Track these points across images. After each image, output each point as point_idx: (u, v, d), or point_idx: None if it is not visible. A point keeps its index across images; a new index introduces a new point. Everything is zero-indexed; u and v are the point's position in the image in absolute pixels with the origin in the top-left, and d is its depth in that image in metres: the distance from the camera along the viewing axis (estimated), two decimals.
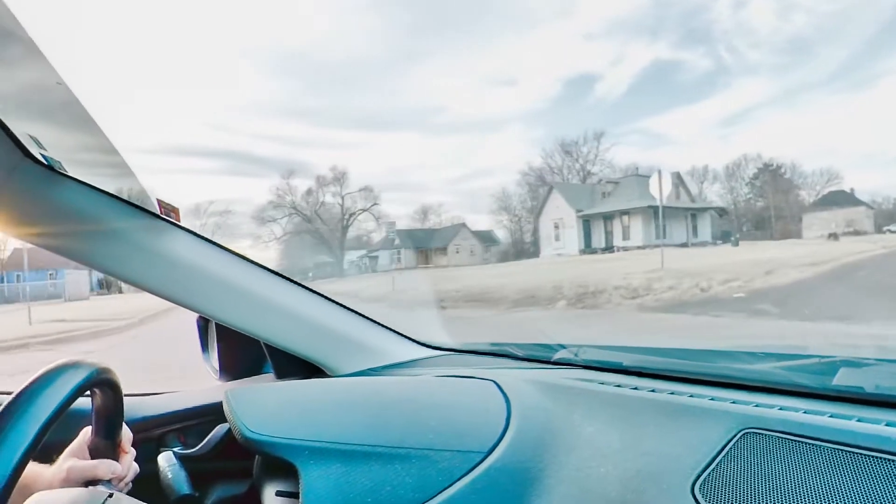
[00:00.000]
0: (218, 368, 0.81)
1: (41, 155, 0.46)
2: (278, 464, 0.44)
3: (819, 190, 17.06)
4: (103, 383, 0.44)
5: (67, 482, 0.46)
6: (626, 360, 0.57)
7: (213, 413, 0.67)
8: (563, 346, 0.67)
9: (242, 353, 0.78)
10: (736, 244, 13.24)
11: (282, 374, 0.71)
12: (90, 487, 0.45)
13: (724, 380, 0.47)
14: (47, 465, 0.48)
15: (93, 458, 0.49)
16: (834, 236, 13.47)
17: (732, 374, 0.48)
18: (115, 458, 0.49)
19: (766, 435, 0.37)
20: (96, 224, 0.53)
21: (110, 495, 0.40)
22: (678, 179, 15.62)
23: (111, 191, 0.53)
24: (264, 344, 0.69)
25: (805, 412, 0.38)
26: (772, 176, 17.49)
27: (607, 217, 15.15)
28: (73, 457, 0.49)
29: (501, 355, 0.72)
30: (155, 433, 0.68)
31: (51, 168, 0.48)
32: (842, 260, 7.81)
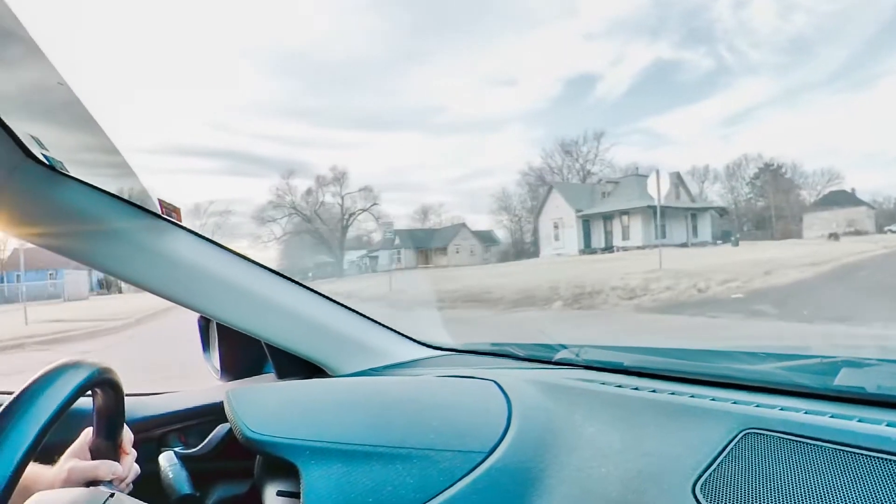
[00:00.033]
0: (219, 368, 0.81)
1: (42, 155, 0.46)
2: (279, 464, 0.44)
3: (820, 190, 17.07)
4: (104, 383, 0.44)
5: (68, 483, 0.46)
6: (628, 361, 0.57)
7: (215, 413, 0.67)
8: (564, 347, 0.67)
9: (243, 353, 0.78)
10: (736, 244, 13.24)
11: (283, 374, 0.71)
12: (91, 488, 0.45)
13: (725, 380, 0.47)
14: (48, 466, 0.48)
15: (94, 458, 0.49)
16: (835, 236, 13.46)
17: (733, 375, 0.48)
18: (117, 458, 0.49)
19: (767, 435, 0.37)
20: (97, 224, 0.53)
21: (111, 495, 0.40)
22: (678, 179, 15.62)
23: (112, 191, 0.53)
24: (265, 344, 0.69)
25: (806, 412, 0.38)
26: (772, 176, 17.48)
27: (607, 217, 15.15)
28: (75, 457, 0.49)
29: (502, 355, 0.72)
30: (156, 433, 0.68)
31: (52, 168, 0.48)
32: (842, 260, 7.79)
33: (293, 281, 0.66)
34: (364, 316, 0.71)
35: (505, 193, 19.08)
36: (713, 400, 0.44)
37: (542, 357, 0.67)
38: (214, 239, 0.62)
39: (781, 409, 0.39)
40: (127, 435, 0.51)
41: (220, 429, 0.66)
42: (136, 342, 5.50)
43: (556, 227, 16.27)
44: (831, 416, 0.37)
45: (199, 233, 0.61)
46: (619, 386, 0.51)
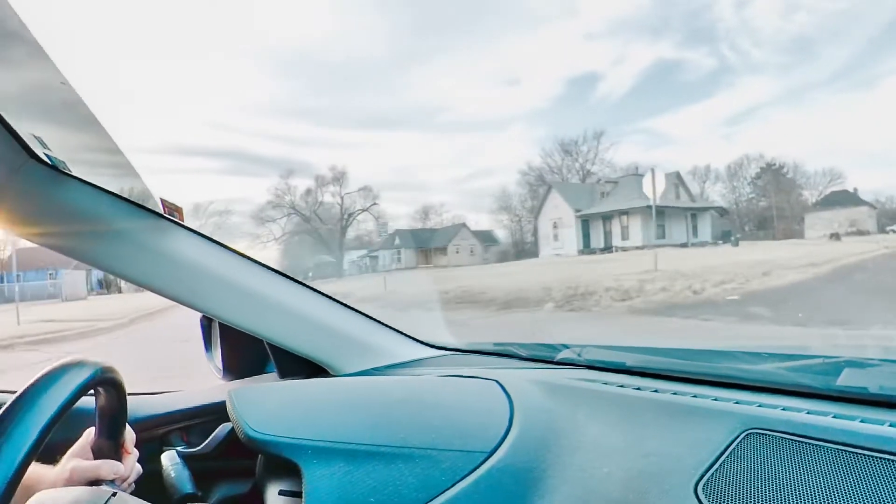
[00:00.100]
0: (221, 368, 0.81)
1: (45, 155, 0.46)
2: (281, 463, 0.45)
3: (822, 190, 17.02)
4: (107, 382, 0.44)
5: (71, 482, 0.46)
6: (630, 361, 0.57)
7: (217, 412, 0.68)
8: (566, 346, 0.67)
9: (246, 353, 0.78)
10: (736, 244, 13.22)
11: (285, 374, 0.71)
12: (93, 487, 0.45)
13: (727, 380, 0.47)
14: (51, 466, 0.48)
15: (96, 458, 0.49)
16: (836, 236, 13.43)
17: (736, 375, 0.48)
18: (119, 458, 0.49)
19: (769, 435, 0.37)
20: (100, 224, 0.53)
21: (114, 494, 0.41)
22: (678, 179, 15.60)
23: (115, 190, 0.53)
24: (267, 343, 0.69)
25: (808, 413, 0.38)
26: (774, 175, 17.46)
27: (606, 217, 15.13)
28: (77, 457, 0.49)
29: (504, 355, 0.72)
30: (158, 432, 0.69)
31: (55, 168, 0.48)
32: (842, 261, 7.74)
33: (295, 280, 0.66)
34: (366, 315, 0.71)
35: (505, 193, 19.09)
36: (715, 400, 0.44)
37: (544, 357, 0.67)
38: (215, 239, 0.62)
39: (784, 410, 0.39)
40: (129, 434, 0.52)
41: (223, 428, 0.67)
42: (126, 342, 5.50)
43: (554, 227, 16.26)
44: (834, 417, 0.37)
45: (202, 232, 0.61)
46: (622, 386, 0.51)
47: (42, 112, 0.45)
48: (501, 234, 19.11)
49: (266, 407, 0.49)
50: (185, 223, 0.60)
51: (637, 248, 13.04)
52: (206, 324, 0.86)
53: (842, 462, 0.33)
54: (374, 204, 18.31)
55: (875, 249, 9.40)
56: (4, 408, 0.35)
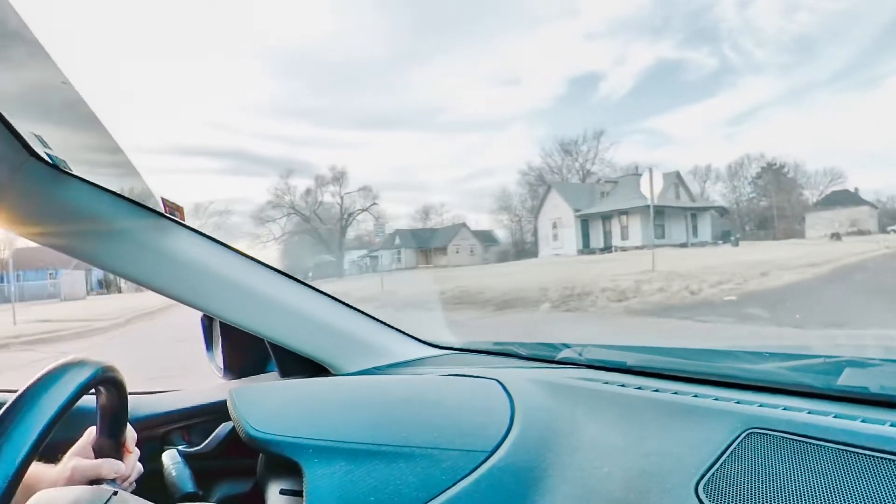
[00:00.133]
0: (222, 367, 0.81)
1: (46, 154, 0.46)
2: (282, 462, 0.45)
3: (822, 189, 17.00)
4: (108, 381, 0.44)
5: (72, 482, 0.46)
6: (630, 360, 0.57)
7: (218, 411, 0.68)
8: (566, 346, 0.67)
9: (246, 352, 0.78)
10: (736, 244, 13.20)
11: (286, 373, 0.71)
12: (94, 486, 0.45)
13: (728, 380, 0.47)
14: (52, 465, 0.48)
15: (97, 457, 0.49)
16: (836, 236, 13.41)
17: (736, 374, 0.48)
18: (120, 457, 0.49)
19: (770, 435, 0.37)
20: (101, 223, 0.53)
21: (115, 493, 0.41)
22: (678, 179, 15.58)
23: (116, 190, 0.53)
24: (268, 343, 0.69)
25: (809, 412, 0.38)
26: (774, 175, 17.44)
27: (605, 217, 15.12)
28: (78, 456, 0.49)
29: (505, 354, 0.72)
30: (159, 431, 0.69)
31: (56, 167, 0.48)
32: (843, 261, 7.71)
33: (296, 280, 0.66)
34: (367, 315, 0.71)
35: (505, 193, 19.09)
36: (716, 399, 0.44)
37: (544, 356, 0.67)
38: (216, 238, 0.62)
39: (784, 409, 0.39)
40: (130, 433, 0.52)
41: (224, 427, 0.67)
42: (122, 342, 5.50)
43: (554, 227, 16.25)
44: (835, 416, 0.37)
45: (203, 231, 0.61)
46: (622, 385, 0.51)
47: (43, 111, 0.45)
48: (501, 234, 19.12)
49: (267, 406, 0.49)
50: (186, 223, 0.60)
51: (637, 248, 13.03)
52: (207, 323, 0.86)
53: (843, 462, 0.33)
54: (374, 204, 18.32)
55: (876, 249, 9.37)
56: (5, 407, 0.35)
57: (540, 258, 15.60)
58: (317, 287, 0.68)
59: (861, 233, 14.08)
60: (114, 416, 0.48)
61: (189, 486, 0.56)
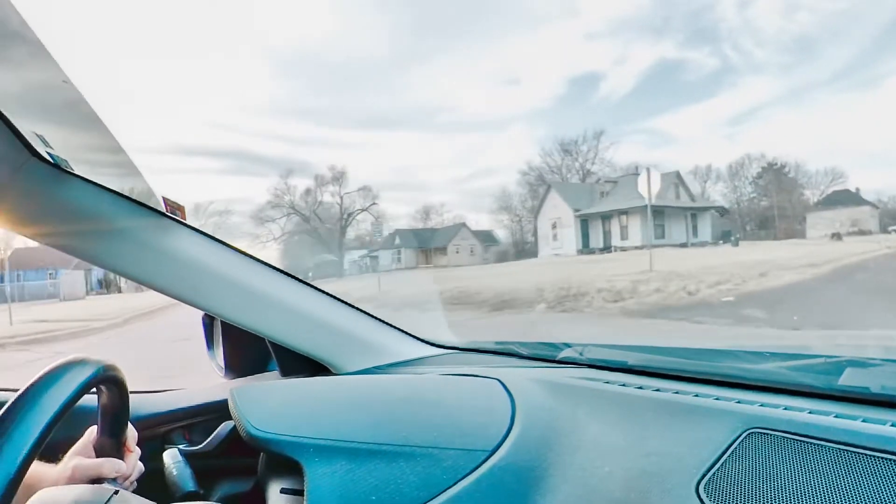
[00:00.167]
0: (223, 366, 0.81)
1: (47, 153, 0.46)
2: (283, 461, 0.45)
3: (823, 189, 16.98)
4: (109, 380, 0.44)
5: (73, 481, 0.46)
6: (631, 360, 0.57)
7: (219, 410, 0.68)
8: (567, 345, 0.67)
9: (247, 351, 0.78)
10: (736, 244, 13.18)
11: (287, 372, 0.71)
12: (95, 485, 0.45)
13: (729, 379, 0.47)
14: (52, 465, 0.48)
15: (98, 456, 0.49)
16: (837, 236, 13.40)
17: (737, 374, 0.48)
18: (121, 457, 0.49)
19: (771, 435, 0.37)
20: (102, 222, 0.53)
21: (116, 492, 0.41)
22: (677, 179, 15.56)
23: (117, 189, 0.53)
24: (269, 342, 0.69)
25: (810, 412, 0.38)
26: (775, 175, 17.42)
27: (605, 217, 15.10)
28: (79, 455, 0.49)
29: (506, 354, 0.72)
30: (160, 430, 0.69)
31: (57, 166, 0.48)
32: (843, 261, 7.67)
33: (297, 279, 0.66)
34: (368, 314, 0.71)
35: (505, 193, 19.10)
36: (717, 399, 0.44)
37: (545, 356, 0.67)
38: (217, 237, 0.62)
39: (785, 409, 0.39)
40: (131, 433, 0.52)
41: (224, 426, 0.67)
42: (118, 342, 5.48)
43: (554, 227, 16.23)
44: (835, 416, 0.37)
45: (204, 231, 0.61)
46: (623, 385, 0.51)
47: (44, 110, 0.45)
48: (502, 234, 19.13)
49: (268, 405, 0.49)
50: (187, 222, 0.60)
51: (636, 248, 13.01)
52: (208, 322, 0.86)
53: (843, 462, 0.33)
54: (374, 204, 18.33)
55: (877, 249, 9.35)
56: (6, 406, 0.35)
57: (539, 258, 15.58)
58: (317, 286, 0.68)
59: (862, 233, 14.07)
60: (115, 415, 0.48)
61: (190, 484, 0.56)
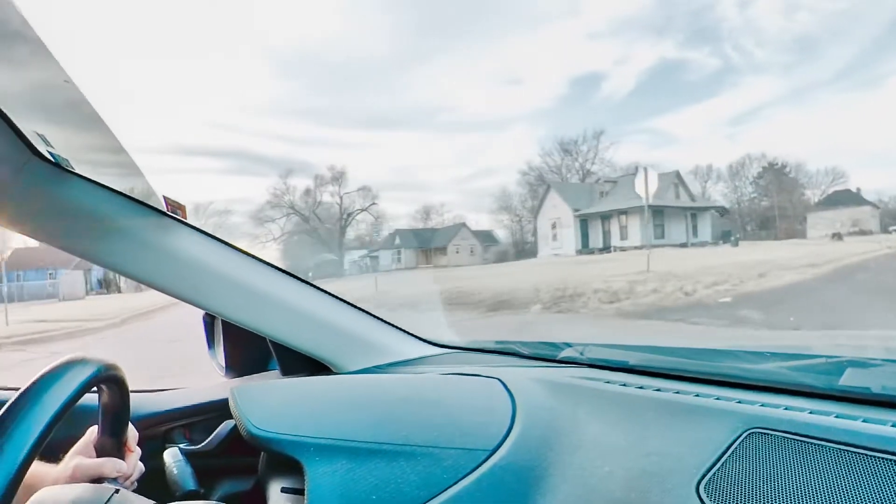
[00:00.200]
0: (224, 365, 0.81)
1: (49, 153, 0.46)
2: (283, 460, 0.45)
3: (824, 189, 16.97)
4: (110, 379, 0.44)
5: (73, 480, 0.46)
6: (632, 359, 0.57)
7: (219, 409, 0.68)
8: (568, 345, 0.67)
9: (248, 350, 0.78)
10: (736, 244, 13.16)
11: (287, 371, 0.71)
12: (96, 484, 0.45)
13: (729, 379, 0.47)
14: (53, 465, 0.49)
15: (99, 456, 0.49)
16: (837, 236, 13.39)
17: (738, 374, 0.48)
18: (121, 456, 0.50)
19: (771, 435, 0.37)
20: (103, 221, 0.53)
21: (116, 491, 0.41)
22: (677, 178, 15.54)
23: (118, 188, 0.53)
24: (270, 341, 0.69)
25: (811, 412, 0.38)
26: (776, 175, 17.41)
27: (605, 217, 15.08)
28: (79, 455, 0.49)
29: (507, 353, 0.72)
30: (161, 429, 0.69)
31: (58, 166, 0.48)
32: (843, 261, 7.63)
33: (298, 278, 0.66)
34: (369, 313, 0.71)
35: (505, 193, 19.10)
36: (718, 399, 0.44)
37: (546, 355, 0.67)
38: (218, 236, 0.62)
39: (786, 409, 0.39)
40: (131, 433, 0.52)
41: (225, 425, 0.67)
42: (114, 343, 5.47)
43: (553, 227, 16.21)
44: (836, 417, 0.37)
45: (205, 230, 0.61)
46: (624, 384, 0.51)
47: (45, 110, 0.45)
48: (502, 234, 19.14)
49: (268, 404, 0.49)
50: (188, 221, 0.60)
51: (636, 248, 12.99)
52: (209, 321, 0.86)
53: (844, 462, 0.33)
54: (374, 204, 18.35)
55: (877, 249, 9.32)
56: (7, 405, 0.35)
57: (539, 258, 15.57)
58: (318, 285, 0.68)
59: (863, 233, 14.05)
60: (116, 414, 0.48)
61: (190, 483, 0.56)
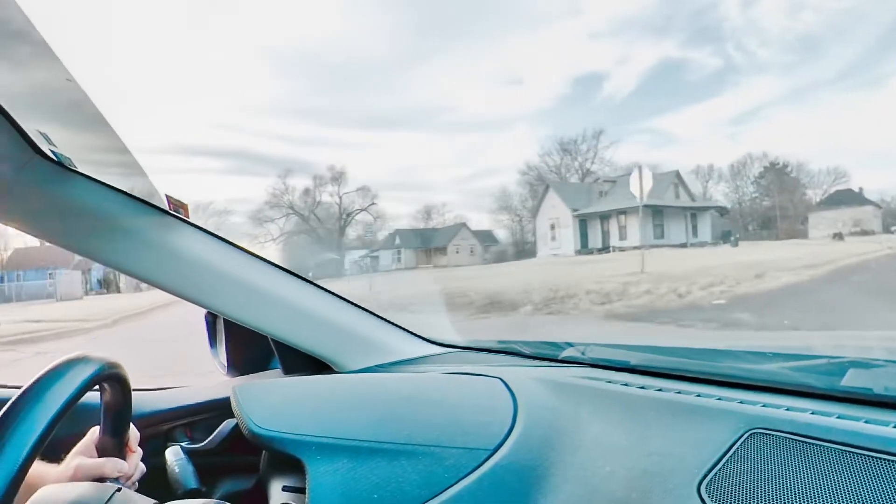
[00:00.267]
0: (226, 364, 0.81)
1: (51, 151, 0.46)
2: (285, 459, 0.45)
3: (826, 189, 16.93)
4: (112, 378, 0.44)
5: (74, 480, 0.46)
6: (634, 359, 0.57)
7: (221, 408, 0.68)
8: (570, 345, 0.67)
9: (250, 349, 0.78)
10: (735, 244, 13.12)
11: (289, 370, 0.72)
12: (98, 483, 0.45)
13: (731, 380, 0.47)
14: (55, 465, 0.49)
15: (100, 456, 0.49)
16: (839, 236, 13.36)
17: (740, 374, 0.48)
18: (123, 456, 0.50)
19: (773, 435, 0.37)
20: (106, 220, 0.53)
21: (118, 489, 0.41)
22: (677, 178, 15.50)
23: (120, 187, 0.53)
24: (272, 340, 0.69)
25: (813, 413, 0.38)
26: (777, 175, 17.38)
27: (604, 217, 15.04)
28: (81, 455, 0.49)
29: (508, 353, 0.72)
30: (163, 428, 0.69)
31: (61, 164, 0.48)
32: (844, 261, 7.56)
33: (300, 277, 0.66)
34: (370, 312, 0.71)
35: (505, 193, 19.10)
36: (719, 399, 0.44)
37: (547, 355, 0.67)
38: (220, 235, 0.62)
39: (788, 410, 0.39)
40: (133, 433, 0.52)
41: (227, 424, 0.67)
42: (105, 343, 5.46)
43: (552, 227, 16.18)
44: (838, 417, 0.37)
45: (207, 229, 0.61)
46: (625, 384, 0.51)
47: (48, 109, 0.45)
48: (502, 234, 19.13)
49: (270, 403, 0.49)
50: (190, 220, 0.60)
51: (634, 248, 12.96)
52: (211, 320, 0.86)
53: (845, 463, 0.33)
54: (373, 204, 18.35)
55: (879, 250, 9.27)
56: (9, 403, 0.35)
57: (538, 258, 15.54)
58: (320, 284, 0.68)
59: (864, 233, 14.01)
60: (117, 412, 0.48)
61: (192, 482, 0.57)
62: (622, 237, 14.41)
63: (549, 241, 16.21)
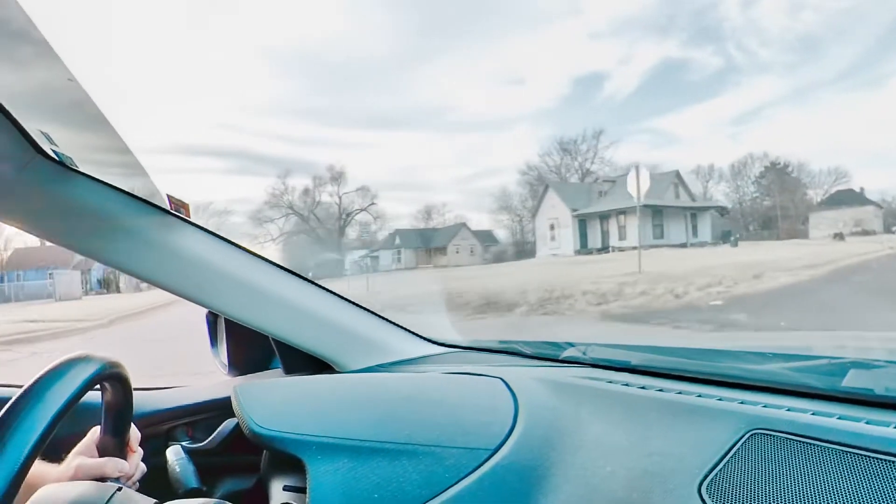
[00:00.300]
0: (226, 363, 0.81)
1: (53, 151, 0.46)
2: (286, 459, 0.45)
3: (827, 189, 16.91)
4: (113, 377, 0.44)
5: (75, 479, 0.46)
6: (635, 359, 0.57)
7: (222, 408, 0.68)
8: (571, 344, 0.67)
9: (251, 349, 0.78)
10: (735, 244, 13.11)
11: (290, 370, 0.72)
12: (99, 482, 0.45)
13: (732, 380, 0.47)
14: (55, 465, 0.49)
15: (101, 456, 0.49)
16: (839, 236, 13.35)
17: (741, 375, 0.48)
18: (124, 456, 0.50)
19: (773, 436, 0.37)
20: (107, 220, 0.53)
21: (119, 489, 0.41)
22: (677, 178, 15.49)
23: (122, 187, 0.53)
24: (273, 339, 0.69)
25: (813, 413, 0.38)
26: (778, 175, 17.36)
27: (603, 217, 15.03)
28: (82, 455, 0.49)
29: (509, 353, 0.72)
30: (163, 427, 0.69)
31: (62, 164, 0.48)
32: (843, 262, 7.52)
33: (300, 277, 0.66)
34: (371, 312, 0.71)
35: (505, 193, 19.10)
36: (720, 400, 0.44)
37: (548, 355, 0.67)
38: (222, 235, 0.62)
39: (788, 410, 0.39)
40: (134, 433, 0.52)
41: (228, 423, 0.67)
42: (100, 343, 5.48)
43: (552, 227, 16.16)
44: (839, 418, 0.37)
45: (208, 229, 0.61)
46: (626, 384, 0.51)
47: (49, 109, 0.45)
48: (502, 234, 19.12)
49: (271, 403, 0.49)
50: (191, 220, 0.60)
51: (634, 248, 12.95)
52: (212, 320, 0.86)
53: (846, 463, 0.33)
54: (373, 204, 18.36)
55: (879, 250, 9.25)
56: (10, 402, 0.35)
57: (537, 258, 15.53)
58: (320, 284, 0.68)
59: (865, 233, 13.99)
60: (118, 412, 0.48)
61: (193, 481, 0.57)
62: (622, 237, 14.39)
63: (548, 241, 16.20)
